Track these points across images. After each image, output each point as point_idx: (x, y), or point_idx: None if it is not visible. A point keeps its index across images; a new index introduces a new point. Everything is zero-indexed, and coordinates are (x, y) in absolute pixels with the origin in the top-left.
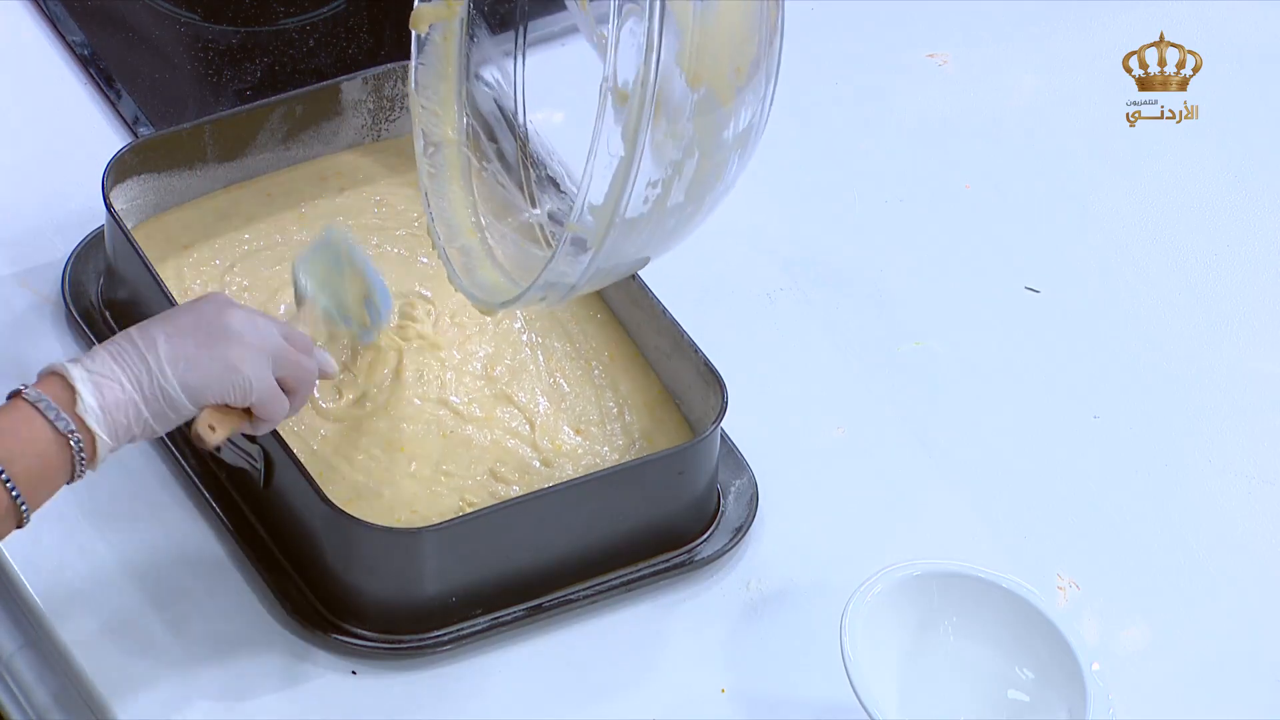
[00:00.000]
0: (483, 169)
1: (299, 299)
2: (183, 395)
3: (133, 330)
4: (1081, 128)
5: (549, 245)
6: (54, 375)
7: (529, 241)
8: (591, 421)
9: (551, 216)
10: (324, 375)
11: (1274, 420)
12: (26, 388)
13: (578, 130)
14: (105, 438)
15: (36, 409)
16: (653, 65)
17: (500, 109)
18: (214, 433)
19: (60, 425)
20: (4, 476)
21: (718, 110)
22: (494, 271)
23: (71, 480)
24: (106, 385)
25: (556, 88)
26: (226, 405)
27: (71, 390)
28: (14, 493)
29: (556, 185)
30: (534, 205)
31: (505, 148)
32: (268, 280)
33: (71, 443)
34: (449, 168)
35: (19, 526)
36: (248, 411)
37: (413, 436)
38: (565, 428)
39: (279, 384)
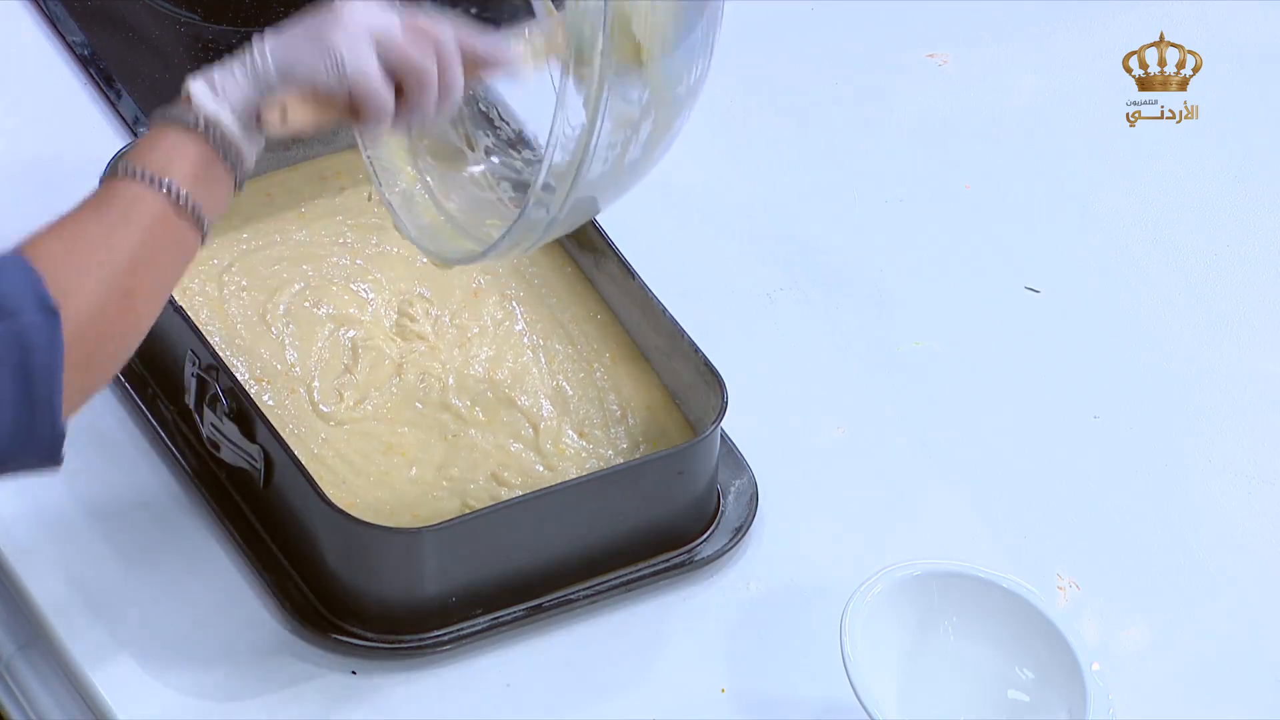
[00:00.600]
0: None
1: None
2: (276, 76)
3: (256, 40)
4: (1081, 128)
5: (494, 190)
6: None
7: (478, 188)
8: (595, 425)
9: (501, 167)
10: (484, 62)
11: (1274, 420)
12: (170, 113)
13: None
14: (238, 131)
15: (181, 124)
16: (608, 33)
17: None
18: (284, 119)
19: (227, 151)
20: (169, 185)
21: (670, 70)
22: (435, 213)
23: (238, 186)
24: (219, 80)
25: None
26: (317, 93)
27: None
28: (184, 201)
29: (490, 122)
30: (470, 147)
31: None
32: (266, 280)
33: (210, 140)
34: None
35: (202, 243)
36: (354, 110)
37: (414, 440)
38: (569, 431)
39: (390, 74)
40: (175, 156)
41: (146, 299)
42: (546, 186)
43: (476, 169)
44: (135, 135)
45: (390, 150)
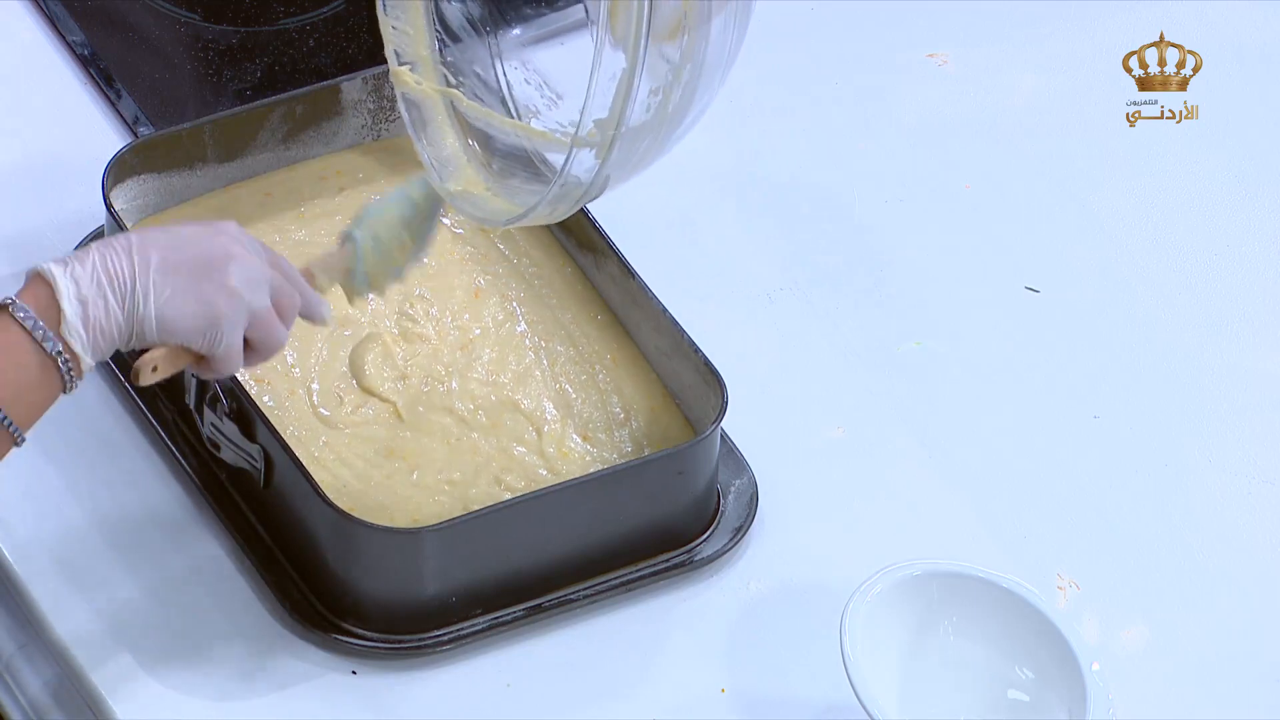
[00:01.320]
0: (459, 85)
1: (344, 237)
2: (155, 331)
3: (133, 242)
4: (1081, 128)
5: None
6: (41, 280)
7: (527, 170)
8: (599, 428)
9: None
10: (311, 321)
11: (1274, 420)
12: (13, 302)
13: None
14: (88, 359)
15: (23, 327)
16: None
17: (470, 23)
18: (155, 373)
19: (48, 346)
20: None
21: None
22: (501, 201)
23: (65, 391)
24: (92, 305)
25: None
26: (183, 350)
27: (57, 303)
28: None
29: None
30: (516, 115)
31: (479, 64)
32: None
33: (59, 364)
34: (431, 103)
35: (16, 445)
36: (200, 356)
37: (415, 444)
38: (573, 435)
39: (245, 339)
40: (14, 373)
41: None
42: (585, 140)
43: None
44: (135, 135)
45: (443, 137)
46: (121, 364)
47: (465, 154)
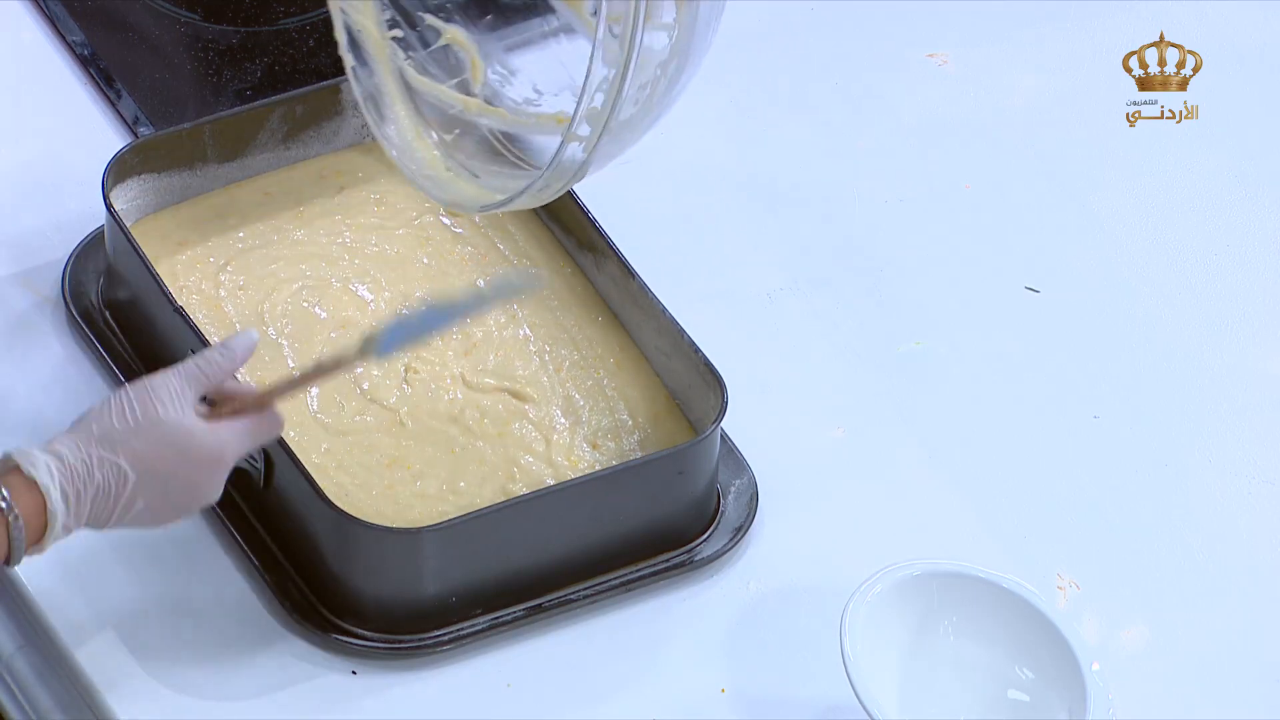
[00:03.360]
0: (409, 59)
1: (370, 345)
2: (130, 524)
3: (128, 475)
4: (1081, 128)
5: (505, 148)
6: (19, 475)
7: (487, 152)
8: (607, 436)
9: (515, 107)
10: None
11: (1274, 420)
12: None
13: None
14: (51, 546)
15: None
16: None
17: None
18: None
19: (14, 552)
20: None
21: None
22: (469, 185)
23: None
24: (82, 510)
25: None
26: None
27: (39, 497)
28: None
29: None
30: (470, 90)
31: (428, 36)
32: (262, 279)
33: (14, 542)
34: (384, 83)
35: None
36: None
37: (419, 453)
38: (582, 443)
39: None
40: None
41: None
42: (577, 133)
43: (483, 121)
44: (135, 135)
45: (401, 128)
46: (127, 370)
47: (425, 135)
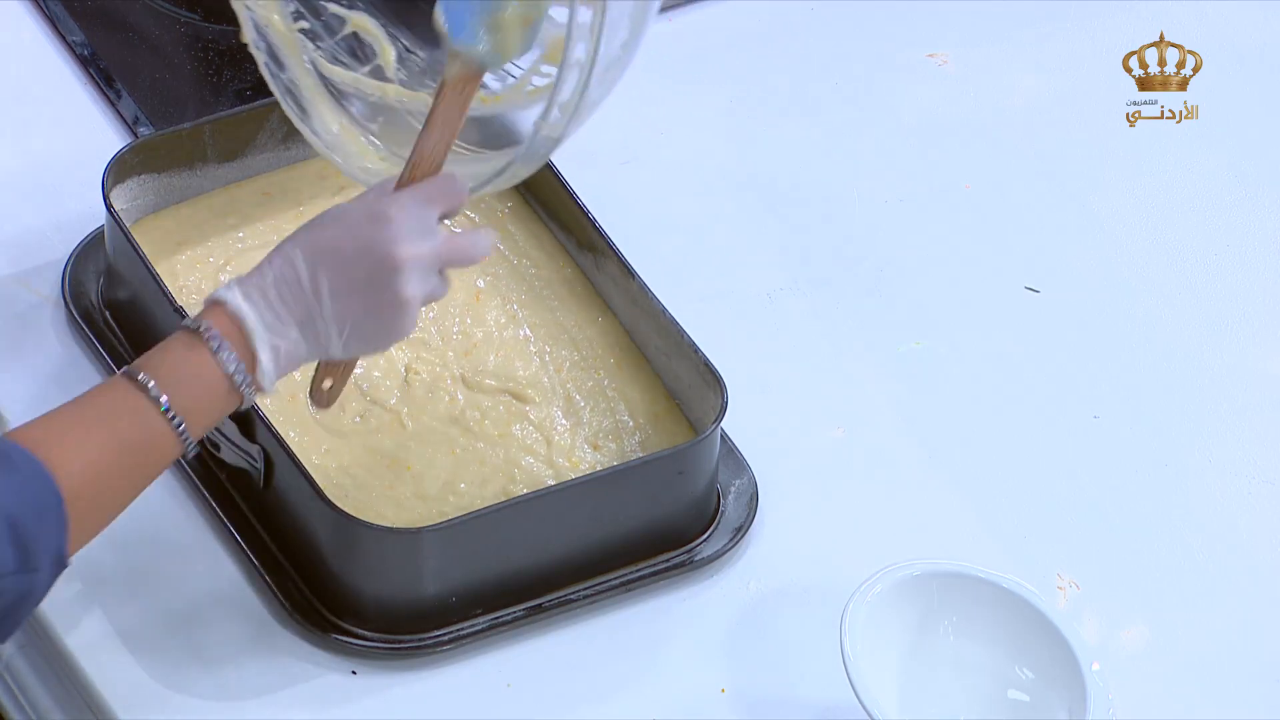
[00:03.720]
0: (320, 49)
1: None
2: (341, 353)
3: (298, 260)
4: (1081, 128)
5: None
6: (223, 312)
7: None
8: (608, 437)
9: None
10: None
11: (1274, 420)
12: (208, 329)
13: None
14: (271, 389)
15: (217, 359)
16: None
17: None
18: (332, 390)
19: (245, 393)
20: (172, 415)
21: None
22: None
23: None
24: (283, 346)
25: None
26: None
27: (242, 334)
28: (179, 426)
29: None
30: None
31: (334, 24)
32: None
33: (244, 395)
34: (299, 76)
35: (182, 456)
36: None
37: (420, 454)
38: (583, 445)
39: None
40: (197, 391)
41: (125, 501)
42: (549, 116)
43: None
44: (135, 135)
45: (324, 123)
46: (121, 362)
47: (351, 127)
